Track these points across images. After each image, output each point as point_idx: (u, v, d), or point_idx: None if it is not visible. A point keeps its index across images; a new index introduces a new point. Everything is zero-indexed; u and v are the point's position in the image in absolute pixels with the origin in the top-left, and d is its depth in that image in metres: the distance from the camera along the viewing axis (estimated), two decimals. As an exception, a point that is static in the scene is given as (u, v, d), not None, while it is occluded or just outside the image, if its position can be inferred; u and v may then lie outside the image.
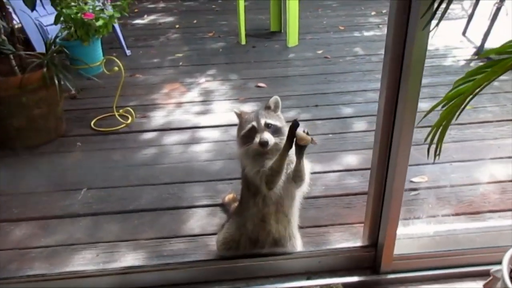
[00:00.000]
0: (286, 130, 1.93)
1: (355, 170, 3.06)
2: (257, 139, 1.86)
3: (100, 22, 3.17)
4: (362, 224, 2.52)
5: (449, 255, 2.07)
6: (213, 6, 7.65)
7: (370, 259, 2.11)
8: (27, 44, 3.84)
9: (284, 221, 2.05)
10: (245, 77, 4.68)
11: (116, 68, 3.48)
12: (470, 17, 5.42)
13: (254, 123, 1.91)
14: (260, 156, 1.92)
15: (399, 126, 1.73)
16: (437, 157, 1.68)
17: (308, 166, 1.97)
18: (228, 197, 2.71)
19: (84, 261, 2.33)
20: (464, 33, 5.53)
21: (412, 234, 2.18)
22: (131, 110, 3.77)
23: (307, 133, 1.80)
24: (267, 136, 1.86)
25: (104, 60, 3.49)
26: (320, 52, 5.31)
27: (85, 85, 4.49)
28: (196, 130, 3.66)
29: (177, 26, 6.58)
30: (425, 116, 1.55)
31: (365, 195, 2.79)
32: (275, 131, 1.92)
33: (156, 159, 3.28)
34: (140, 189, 2.92)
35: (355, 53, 5.26)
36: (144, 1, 8.16)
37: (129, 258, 2.34)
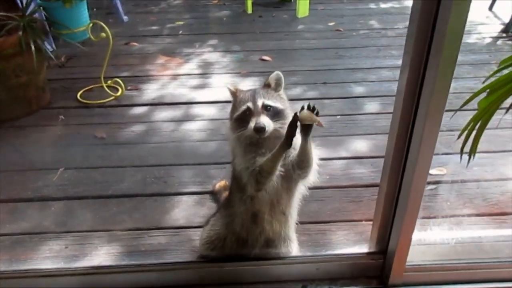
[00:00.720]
0: (289, 113, 1.59)
1: (364, 157, 2.73)
2: (251, 124, 1.53)
3: (83, -20, 2.81)
4: (370, 222, 2.22)
5: (473, 268, 1.74)
6: (220, -28, 7.16)
7: (377, 268, 1.80)
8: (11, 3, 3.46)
9: (280, 219, 1.74)
10: (249, 49, 4.29)
11: (103, 35, 3.14)
12: (499, -10, 4.95)
13: (250, 104, 1.58)
14: (254, 146, 1.59)
15: (424, 110, 1.38)
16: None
17: (315, 151, 1.65)
18: (220, 184, 2.40)
19: (50, 253, 2.06)
20: (490, 8, 5.07)
21: (427, 240, 1.86)
22: (120, 81, 3.43)
23: (313, 109, 1.46)
24: (264, 120, 1.53)
25: (91, 25, 3.13)
26: (331, 24, 4.88)
27: (75, 52, 4.17)
28: (190, 106, 3.33)
29: (179, -9, 6.14)
30: (464, 104, 1.20)
31: (375, 187, 2.48)
32: (275, 114, 1.58)
33: (143, 137, 2.96)
34: (122, 171, 2.62)
35: (370, 26, 4.83)
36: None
37: (101, 252, 2.06)
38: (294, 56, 4.13)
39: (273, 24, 4.96)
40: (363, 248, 1.86)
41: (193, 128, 3.05)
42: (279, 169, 1.57)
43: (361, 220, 2.23)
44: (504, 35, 4.45)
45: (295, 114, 1.47)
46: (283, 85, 1.69)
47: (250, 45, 4.37)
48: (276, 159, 1.53)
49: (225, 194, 2.28)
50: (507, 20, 4.55)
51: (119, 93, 3.44)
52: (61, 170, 2.62)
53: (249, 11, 5.25)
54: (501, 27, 4.61)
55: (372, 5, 5.47)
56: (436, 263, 1.75)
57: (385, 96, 3.39)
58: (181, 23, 4.99)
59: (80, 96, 3.43)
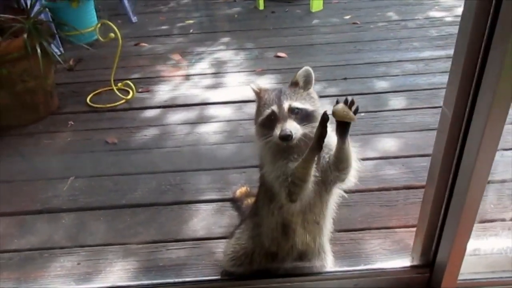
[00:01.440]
0: (320, 114, 1.41)
1: (394, 157, 2.53)
2: (277, 131, 1.36)
3: (90, -22, 2.66)
4: (407, 230, 2.04)
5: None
6: (229, -31, 6.99)
7: (423, 283, 1.61)
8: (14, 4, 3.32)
9: (314, 230, 1.56)
10: (263, 46, 4.11)
11: (112, 35, 2.98)
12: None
13: (274, 108, 1.41)
14: (284, 152, 1.42)
15: (488, 99, 1.18)
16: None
17: (354, 148, 1.46)
18: (240, 190, 2.22)
19: (61, 271, 1.91)
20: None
21: (478, 249, 1.66)
22: (131, 83, 3.28)
23: (351, 104, 1.28)
24: (291, 126, 1.36)
25: (99, 25, 2.98)
26: (348, 17, 4.67)
27: (84, 55, 4.04)
28: (205, 107, 3.16)
29: (188, -10, 5.98)
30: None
31: (409, 190, 2.30)
32: (304, 117, 1.40)
33: (157, 142, 2.80)
34: (136, 179, 2.46)
35: (388, 18, 4.61)
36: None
37: (116, 269, 1.90)
38: (310, 52, 3.94)
39: (286, 19, 4.77)
40: (405, 261, 1.67)
41: (209, 130, 2.89)
42: (314, 175, 1.39)
43: (397, 227, 2.04)
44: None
45: (325, 112, 1.29)
46: (313, 82, 1.51)
47: (264, 42, 4.19)
48: (308, 165, 1.36)
49: (246, 201, 2.11)
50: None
51: (130, 96, 3.28)
52: (72, 179, 2.47)
53: (261, 7, 5.07)
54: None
55: (389, -3, 5.24)
56: (491, 277, 1.55)
57: (411, 90, 3.19)
58: (191, 21, 4.84)
59: (90, 100, 3.28)
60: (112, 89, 3.28)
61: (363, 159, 2.48)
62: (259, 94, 1.50)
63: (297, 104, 1.41)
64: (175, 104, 3.21)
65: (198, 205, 2.26)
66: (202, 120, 3.01)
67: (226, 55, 4.00)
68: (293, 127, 1.36)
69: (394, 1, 5.08)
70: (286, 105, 1.40)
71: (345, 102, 1.30)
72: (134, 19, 4.85)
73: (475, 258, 1.63)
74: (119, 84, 3.27)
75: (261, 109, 1.46)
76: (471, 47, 1.19)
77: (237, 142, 2.74)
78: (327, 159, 1.44)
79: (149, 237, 2.06)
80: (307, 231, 1.54)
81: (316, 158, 1.36)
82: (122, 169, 2.54)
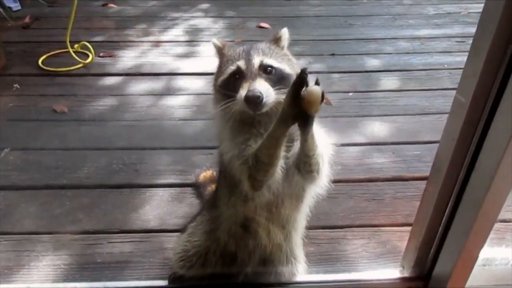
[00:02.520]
0: None
1: (384, 144, 2.22)
2: (242, 92, 1.03)
3: None
4: (394, 228, 1.74)
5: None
6: None
7: (415, 300, 1.31)
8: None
9: (279, 234, 1.24)
10: (245, 15, 3.73)
11: (68, -14, 2.55)
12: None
13: (241, 63, 1.08)
14: (248, 125, 1.09)
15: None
16: None
17: (324, 141, 1.15)
18: (204, 174, 1.89)
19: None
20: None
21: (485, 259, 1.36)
22: (90, 45, 2.87)
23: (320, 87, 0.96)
24: (261, 86, 1.03)
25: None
26: None
27: (44, 13, 3.61)
28: (173, 78, 2.78)
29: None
30: None
31: (400, 182, 2.00)
32: (279, 80, 1.09)
33: (113, 113, 2.42)
34: (83, 155, 2.09)
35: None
36: None
37: (43, 264, 1.55)
38: (296, 24, 3.57)
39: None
40: (393, 271, 1.37)
41: (175, 103, 2.52)
42: (282, 158, 1.07)
43: (384, 226, 1.74)
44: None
45: (304, 69, 0.96)
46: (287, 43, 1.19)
47: (247, 11, 3.80)
48: (275, 142, 1.03)
49: (210, 187, 1.78)
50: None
51: (88, 60, 2.88)
52: (6, 151, 2.09)
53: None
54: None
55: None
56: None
57: (404, 70, 2.87)
58: (168, -15, 4.38)
59: (42, 63, 2.87)
60: (69, 52, 2.86)
61: (348, 145, 2.19)
62: (221, 50, 1.16)
63: (271, 61, 1.08)
64: (139, 73, 2.82)
65: (153, 189, 1.91)
66: (168, 92, 2.64)
67: (204, 22, 3.60)
68: (264, 88, 1.03)
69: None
70: (256, 60, 1.07)
71: (317, 83, 0.97)
72: (105, -22, 4.38)
73: (480, 268, 1.33)
74: (76, 46, 2.86)
75: (222, 68, 1.12)
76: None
77: (206, 118, 2.38)
78: (291, 151, 1.11)
79: (89, 226, 1.71)
80: (272, 232, 1.22)
81: (286, 134, 1.02)
82: (68, 143, 2.16)
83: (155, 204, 1.83)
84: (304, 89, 0.96)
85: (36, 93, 2.58)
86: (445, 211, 1.17)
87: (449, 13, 3.77)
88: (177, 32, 3.40)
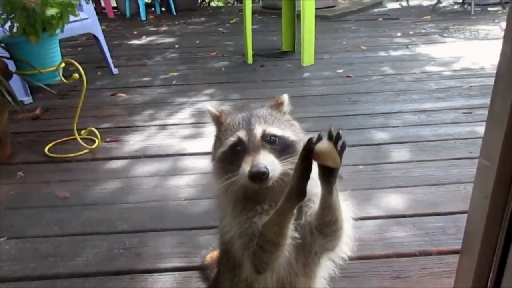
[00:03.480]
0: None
1: (402, 216, 2.08)
2: (245, 167, 0.96)
3: (52, 11, 2.34)
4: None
5: None
6: (220, 29, 6.96)
7: None
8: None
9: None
10: (250, 97, 3.79)
11: (77, 76, 2.62)
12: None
13: (241, 134, 1.02)
14: (250, 201, 1.01)
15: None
16: None
17: (346, 204, 1.05)
18: (211, 255, 1.75)
19: None
20: (512, 52, 4.65)
21: None
22: (96, 131, 2.88)
23: (336, 139, 0.89)
24: (267, 160, 0.96)
25: (62, 65, 2.64)
26: (340, 71, 4.44)
27: (55, 104, 3.72)
28: (179, 158, 2.74)
29: (176, 46, 5.83)
30: None
31: (424, 257, 1.83)
32: (284, 149, 1.02)
33: (117, 196, 2.34)
34: (82, 241, 1.97)
35: (383, 72, 4.37)
36: (146, 24, 7.55)
37: None
38: (301, 103, 3.60)
39: (276, 72, 4.52)
40: None
41: (181, 183, 2.44)
42: (290, 236, 0.96)
43: (414, 307, 1.54)
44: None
45: (310, 139, 0.89)
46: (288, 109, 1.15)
47: (252, 93, 3.88)
48: (282, 220, 0.93)
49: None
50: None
51: (94, 145, 2.87)
52: (2, 240, 1.98)
53: (250, 61, 4.86)
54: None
55: (382, 53, 5.08)
56: None
57: (414, 142, 2.81)
58: (175, 73, 4.57)
59: (48, 150, 2.86)
60: (76, 139, 2.87)
61: (364, 218, 2.05)
62: (219, 118, 1.11)
63: (274, 130, 1.01)
64: (145, 155, 2.79)
65: (156, 275, 1.76)
66: (174, 172, 2.58)
67: (210, 105, 3.65)
68: (269, 162, 0.95)
69: (387, 57, 4.90)
70: (258, 130, 1.00)
71: (329, 137, 0.90)
72: (115, 70, 4.60)
73: None
74: (83, 132, 2.87)
75: (221, 138, 1.05)
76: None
77: (212, 197, 2.28)
78: (309, 216, 1.01)
79: (84, 320, 1.54)
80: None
81: (295, 211, 0.93)
82: (68, 229, 2.05)
83: (157, 292, 1.66)
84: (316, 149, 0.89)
85: (39, 180, 2.53)
86: (487, 283, 1.01)
87: (450, 87, 3.82)
88: (183, 116, 3.44)
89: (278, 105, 1.13)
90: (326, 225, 0.98)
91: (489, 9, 7.51)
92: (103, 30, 4.44)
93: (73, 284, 1.72)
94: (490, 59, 4.52)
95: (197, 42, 6.00)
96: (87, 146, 2.85)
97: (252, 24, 4.89)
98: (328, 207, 0.96)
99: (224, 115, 1.13)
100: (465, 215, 2.05)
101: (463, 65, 4.43)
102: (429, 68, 4.38)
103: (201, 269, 1.74)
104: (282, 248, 0.95)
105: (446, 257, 1.78)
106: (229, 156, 1.03)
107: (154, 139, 3.04)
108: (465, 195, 2.21)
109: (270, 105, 1.14)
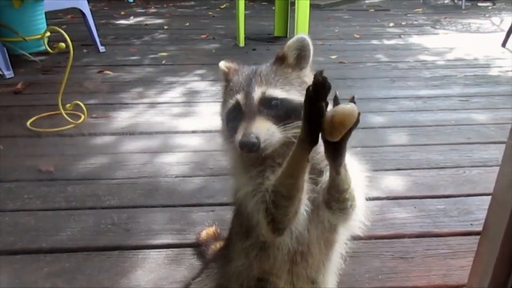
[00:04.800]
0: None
1: (403, 198, 2.02)
2: (238, 135, 0.88)
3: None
4: (433, 290, 1.48)
5: None
6: (210, 13, 6.80)
7: None
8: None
9: (306, 290, 0.99)
10: (242, 78, 3.67)
11: (63, 45, 2.47)
12: (511, 30, 4.60)
13: (240, 97, 0.94)
14: (260, 157, 0.91)
15: None
16: None
17: (356, 169, 0.96)
18: (207, 231, 1.66)
19: None
20: (504, 45, 4.69)
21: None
22: (82, 105, 2.73)
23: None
24: (259, 129, 0.88)
25: (47, 34, 2.48)
26: (334, 57, 4.36)
27: (38, 79, 3.54)
28: (170, 136, 2.63)
29: (165, 27, 5.67)
30: None
31: (428, 238, 1.76)
32: (286, 113, 0.92)
33: (104, 171, 2.22)
34: (68, 216, 1.85)
35: (377, 59, 4.31)
36: (133, 6, 7.33)
37: None
38: (295, 86, 3.52)
39: (268, 56, 4.34)
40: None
41: (172, 160, 2.33)
42: (308, 193, 0.87)
43: None
44: (529, 68, 3.97)
45: (319, 72, 0.80)
46: (311, 57, 1.03)
47: (244, 75, 3.76)
48: (297, 171, 0.85)
49: (214, 246, 1.53)
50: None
51: (80, 120, 2.73)
52: (-19, 212, 1.84)
53: (241, 44, 4.74)
54: (521, 61, 4.16)
55: (375, 41, 5.03)
56: None
57: (411, 126, 2.76)
58: (164, 54, 4.42)
59: (31, 124, 2.71)
60: (60, 113, 2.72)
61: (367, 199, 1.98)
62: (227, 74, 1.01)
63: (275, 92, 0.92)
64: (134, 131, 2.66)
65: (146, 251, 1.66)
66: (165, 149, 2.47)
67: (201, 85, 3.54)
68: (263, 130, 0.85)
69: (381, 46, 4.85)
70: (257, 93, 0.91)
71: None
72: (101, 48, 4.43)
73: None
74: (67, 106, 2.72)
75: (227, 98, 0.96)
76: None
77: (206, 175, 2.19)
78: (319, 184, 0.93)
79: (69, 296, 1.43)
80: (295, 288, 0.98)
81: (308, 158, 0.84)
82: (51, 203, 1.93)
83: (148, 268, 1.56)
84: (329, 109, 0.79)
85: (21, 153, 2.39)
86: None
87: (445, 76, 3.78)
88: (174, 94, 3.32)
89: (282, 59, 1.01)
90: (335, 202, 0.90)
91: (480, 4, 7.54)
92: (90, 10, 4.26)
93: (57, 259, 1.60)
94: (483, 51, 4.51)
95: (187, 24, 5.84)
96: (72, 121, 2.71)
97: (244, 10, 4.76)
98: (336, 186, 0.88)
99: (232, 72, 1.03)
100: (467, 198, 2.04)
101: (457, 55, 4.41)
102: (423, 57, 4.34)
103: (196, 245, 1.65)
104: (298, 204, 0.86)
105: (450, 239, 1.73)
106: (231, 119, 0.94)
107: (144, 116, 2.91)
108: (466, 179, 2.17)
109: (274, 61, 1.03)
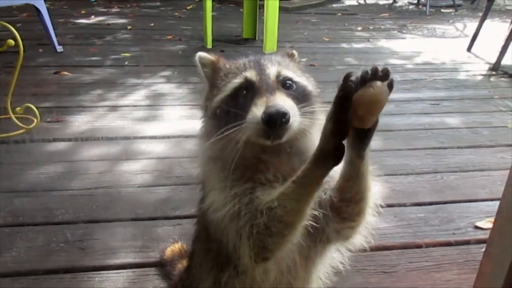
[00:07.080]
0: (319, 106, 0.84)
1: (381, 206, 1.91)
2: (255, 110, 0.74)
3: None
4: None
5: None
6: (176, 14, 6.59)
7: None
8: None
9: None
10: (210, 81, 3.51)
11: (12, 42, 2.24)
12: (475, 35, 4.67)
13: (250, 75, 0.82)
14: (248, 170, 0.80)
15: None
16: None
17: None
18: (172, 248, 1.49)
19: None
20: (469, 49, 4.76)
21: None
22: (34, 108, 2.50)
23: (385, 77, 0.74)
24: (285, 102, 0.76)
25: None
26: (304, 59, 4.26)
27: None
28: (132, 141, 2.43)
29: (129, 27, 5.42)
30: None
31: (410, 250, 1.67)
32: (302, 97, 0.83)
33: (57, 182, 2.00)
34: (13, 234, 1.63)
35: (347, 62, 4.26)
36: (95, 5, 7.01)
37: None
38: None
39: (237, 58, 4.27)
40: None
41: (134, 169, 2.14)
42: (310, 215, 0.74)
43: (405, 305, 1.37)
44: (494, 72, 4.02)
45: (347, 76, 0.67)
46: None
47: (212, 77, 3.60)
48: (308, 194, 0.72)
49: (181, 264, 1.37)
50: (490, 60, 4.24)
51: (32, 125, 2.49)
52: None
53: (209, 45, 4.58)
54: (486, 66, 4.22)
55: (345, 45, 4.99)
56: None
57: (386, 130, 2.69)
58: (128, 54, 4.19)
59: (-25, 129, 2.45)
60: (10, 118, 2.47)
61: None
62: (215, 64, 0.87)
63: (290, 74, 0.80)
64: (92, 137, 2.45)
65: (104, 272, 1.47)
66: (126, 156, 2.27)
67: (166, 87, 3.35)
68: (289, 104, 0.74)
69: (350, 49, 4.82)
70: (272, 70, 0.78)
71: (375, 75, 0.69)
72: (59, 48, 4.14)
73: None
74: (17, 109, 2.47)
75: (219, 85, 0.81)
76: None
77: (172, 184, 2.02)
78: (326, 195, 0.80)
79: (11, 330, 1.22)
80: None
81: (323, 181, 0.70)
82: (-6, 219, 1.70)
83: (106, 293, 1.38)
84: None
85: (-39, 162, 2.13)
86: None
87: (415, 79, 3.77)
88: (137, 97, 3.12)
89: (291, 56, 0.97)
90: (347, 204, 0.77)
91: (443, 10, 7.71)
92: (46, 8, 3.98)
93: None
94: (449, 55, 4.55)
95: (152, 24, 5.61)
96: (23, 125, 2.46)
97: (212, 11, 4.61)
98: (354, 177, 0.75)
99: (222, 61, 0.89)
100: (447, 206, 1.97)
101: (425, 60, 4.43)
102: (392, 61, 4.33)
103: (160, 265, 1.48)
104: (297, 232, 0.72)
105: (433, 250, 1.64)
106: (232, 103, 0.80)
107: (104, 120, 2.70)
108: (444, 185, 2.11)
109: (281, 54, 0.95)
